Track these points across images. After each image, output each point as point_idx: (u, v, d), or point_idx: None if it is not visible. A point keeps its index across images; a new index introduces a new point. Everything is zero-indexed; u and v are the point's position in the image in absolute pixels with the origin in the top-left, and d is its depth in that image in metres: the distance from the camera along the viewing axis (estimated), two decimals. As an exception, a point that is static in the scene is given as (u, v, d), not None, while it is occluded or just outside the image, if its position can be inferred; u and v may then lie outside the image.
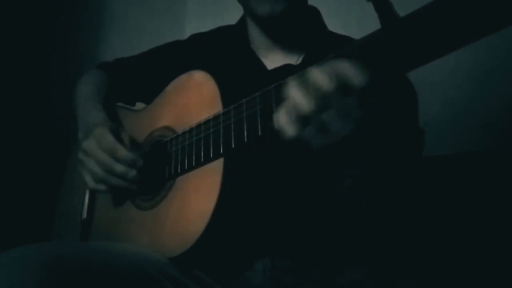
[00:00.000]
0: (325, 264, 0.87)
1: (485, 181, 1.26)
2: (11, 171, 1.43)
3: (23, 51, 1.50)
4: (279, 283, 0.85)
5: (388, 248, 0.95)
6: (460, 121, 1.46)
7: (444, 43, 0.53)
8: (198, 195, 0.81)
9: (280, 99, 0.69)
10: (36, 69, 1.53)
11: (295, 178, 0.89)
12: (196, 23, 2.03)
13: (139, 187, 0.90)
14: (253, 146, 0.75)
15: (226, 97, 0.84)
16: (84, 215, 1.02)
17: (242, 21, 1.08)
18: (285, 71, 0.93)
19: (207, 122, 0.83)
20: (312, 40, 1.00)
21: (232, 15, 1.11)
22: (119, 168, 0.87)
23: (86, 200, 1.03)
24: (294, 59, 0.99)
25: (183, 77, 0.95)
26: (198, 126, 0.85)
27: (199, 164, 0.83)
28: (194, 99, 0.90)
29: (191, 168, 0.84)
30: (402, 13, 0.57)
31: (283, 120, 0.60)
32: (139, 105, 1.13)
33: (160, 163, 0.91)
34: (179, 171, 0.87)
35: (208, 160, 0.81)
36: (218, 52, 1.06)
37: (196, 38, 1.12)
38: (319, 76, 0.57)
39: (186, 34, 1.16)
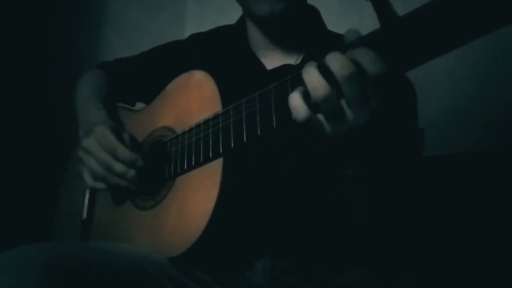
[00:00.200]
0: (325, 264, 0.87)
1: (485, 181, 1.26)
2: (11, 171, 1.43)
3: (23, 51, 1.50)
4: (279, 283, 0.85)
5: (388, 248, 0.95)
6: (460, 121, 1.46)
7: (443, 42, 0.53)
8: (197, 195, 0.81)
9: (279, 98, 0.69)
10: (36, 69, 1.53)
11: (295, 178, 0.89)
12: (196, 23, 2.03)
13: (139, 187, 0.90)
14: (253, 146, 0.75)
15: (225, 97, 0.84)
16: (84, 215, 1.02)
17: (241, 21, 1.08)
18: (284, 71, 0.93)
19: (206, 122, 0.83)
20: (312, 40, 1.00)
21: (232, 15, 1.11)
22: (119, 167, 0.87)
23: (86, 200, 1.03)
24: (293, 59, 0.99)
25: (183, 77, 0.95)
26: (198, 126, 0.85)
27: (199, 164, 0.83)
28: (194, 99, 0.90)
29: (190, 168, 0.84)
30: (401, 12, 0.57)
31: (297, 101, 0.60)
32: (139, 105, 1.13)
33: (160, 163, 0.91)
34: (178, 171, 0.87)
35: (207, 160, 0.81)
36: (218, 52, 1.06)
37: (196, 38, 1.12)
38: (338, 60, 0.57)
39: (186, 34, 1.16)
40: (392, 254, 0.95)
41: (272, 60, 0.99)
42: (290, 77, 0.68)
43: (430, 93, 1.43)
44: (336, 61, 0.58)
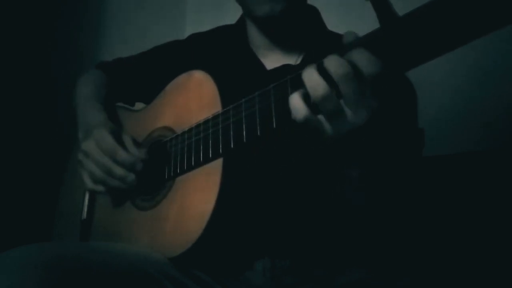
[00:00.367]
0: (325, 264, 0.87)
1: (485, 181, 1.26)
2: (11, 171, 1.43)
3: (23, 51, 1.50)
4: (279, 283, 0.85)
5: (388, 248, 0.95)
6: (460, 121, 1.46)
7: (443, 43, 0.53)
8: (197, 195, 0.81)
9: (279, 98, 0.69)
10: (36, 69, 1.53)
11: (295, 178, 0.89)
12: (196, 23, 2.03)
13: (139, 187, 0.90)
14: (252, 146, 0.75)
15: (225, 97, 0.84)
16: (84, 215, 1.02)
17: (241, 21, 1.08)
18: (284, 71, 0.93)
19: (206, 122, 0.83)
20: (312, 40, 1.00)
21: (232, 15, 1.11)
22: (119, 171, 0.87)
23: (86, 200, 1.03)
24: (293, 59, 0.99)
25: (183, 76, 0.95)
26: (198, 126, 0.85)
27: (199, 164, 0.83)
28: (194, 98, 0.90)
29: (190, 168, 0.84)
30: (401, 12, 0.57)
31: (297, 102, 0.61)
32: (139, 105, 1.13)
33: (160, 163, 0.91)
34: (178, 171, 0.87)
35: (207, 160, 0.81)
36: (217, 52, 1.06)
37: (195, 38, 1.12)
38: (335, 61, 0.58)
39: (186, 34, 1.16)
40: (392, 254, 0.95)
41: (272, 60, 0.99)
42: (290, 77, 0.68)
43: (430, 93, 1.43)
44: (332, 62, 0.59)
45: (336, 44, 0.64)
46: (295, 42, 1.00)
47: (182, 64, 1.02)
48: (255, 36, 1.02)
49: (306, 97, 0.61)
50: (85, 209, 1.02)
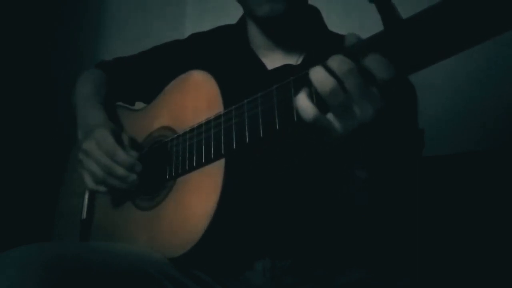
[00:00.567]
0: (325, 264, 0.87)
1: (485, 181, 1.26)
2: (11, 171, 1.43)
3: (24, 51, 1.50)
4: (279, 283, 0.85)
5: (388, 248, 0.95)
6: (460, 121, 1.46)
7: (446, 46, 0.54)
8: (199, 196, 0.81)
9: (282, 99, 0.69)
10: (36, 69, 1.53)
11: (296, 178, 0.89)
12: (196, 23, 2.03)
13: (139, 187, 0.90)
14: (255, 147, 0.75)
15: (226, 97, 0.84)
16: (84, 215, 1.02)
17: (241, 20, 1.08)
18: (285, 71, 0.93)
19: (208, 122, 0.83)
20: (312, 40, 1.00)
21: (232, 15, 1.11)
22: (120, 171, 0.87)
23: (86, 200, 1.03)
24: (294, 59, 0.99)
25: (183, 76, 0.95)
26: (199, 126, 0.85)
27: (200, 164, 0.83)
28: (194, 98, 0.90)
29: (192, 168, 0.84)
30: (404, 15, 0.58)
31: (305, 102, 0.61)
32: (139, 105, 1.13)
33: (161, 163, 0.91)
34: (179, 171, 0.87)
35: (209, 160, 0.81)
36: (218, 51, 1.06)
37: (196, 37, 1.12)
38: (339, 59, 0.60)
39: (186, 34, 1.16)
40: (392, 254, 0.95)
41: (273, 60, 0.99)
42: (293, 79, 0.68)
43: (430, 93, 1.43)
44: (336, 60, 0.60)
45: (337, 44, 0.64)
46: (296, 42, 1.00)
47: (182, 64, 1.02)
48: (256, 36, 1.02)
49: (312, 97, 0.62)
50: (85, 209, 1.02)
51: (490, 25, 0.50)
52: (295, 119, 0.66)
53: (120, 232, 0.94)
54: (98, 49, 1.76)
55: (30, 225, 1.37)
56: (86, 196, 1.03)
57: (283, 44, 1.00)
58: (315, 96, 0.62)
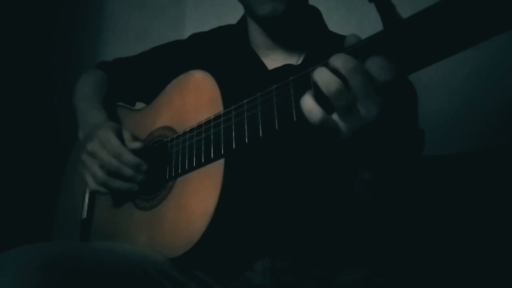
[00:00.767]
0: (325, 264, 0.87)
1: (485, 181, 1.26)
2: (11, 171, 1.43)
3: (24, 51, 1.50)
4: (279, 283, 0.85)
5: (388, 248, 0.95)
6: (460, 121, 1.46)
7: (446, 46, 0.54)
8: (198, 196, 0.81)
9: (281, 99, 0.69)
10: (37, 70, 1.53)
11: (296, 178, 0.89)
12: (196, 23, 2.03)
13: (140, 187, 0.90)
14: (254, 147, 0.75)
15: (226, 97, 0.84)
16: (84, 215, 1.02)
17: (242, 20, 1.08)
18: (285, 71, 0.93)
19: (207, 122, 0.83)
20: (313, 40, 1.00)
21: (232, 15, 1.11)
22: (128, 171, 0.88)
23: (86, 200, 1.03)
24: (294, 59, 0.99)
25: (183, 76, 0.95)
26: (199, 126, 0.85)
27: (200, 164, 0.83)
28: (194, 98, 0.90)
29: (191, 168, 0.84)
30: (404, 15, 0.58)
31: (311, 104, 0.61)
32: (139, 105, 1.13)
33: (161, 163, 0.91)
34: (179, 171, 0.87)
35: (208, 160, 0.81)
36: (218, 52, 1.06)
37: (196, 38, 1.12)
38: (342, 57, 0.60)
39: (186, 35, 1.16)
40: (392, 254, 0.95)
41: (274, 60, 0.99)
42: (292, 79, 0.68)
43: (430, 93, 1.43)
44: (339, 58, 0.60)
45: (337, 44, 0.64)
46: (297, 42, 1.00)
47: (183, 64, 1.02)
48: (257, 36, 1.02)
49: (317, 98, 0.61)
50: (85, 208, 1.02)
51: (489, 24, 0.50)
52: (295, 119, 0.66)
53: (120, 232, 0.94)
54: (98, 49, 1.76)
55: (30, 225, 1.37)
56: (86, 196, 1.03)
57: (283, 44, 1.00)
58: (320, 97, 0.61)
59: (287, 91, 0.68)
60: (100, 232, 0.99)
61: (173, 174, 0.88)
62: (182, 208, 0.83)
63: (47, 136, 1.52)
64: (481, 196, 1.24)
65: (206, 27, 1.15)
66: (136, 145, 0.90)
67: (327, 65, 0.61)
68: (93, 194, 1.03)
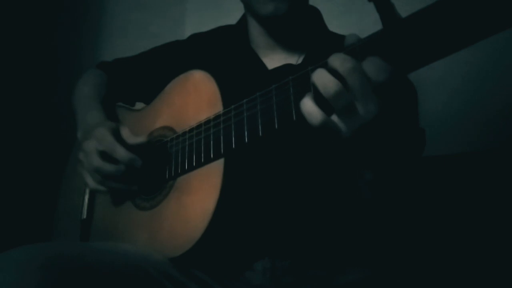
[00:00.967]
0: (325, 264, 0.87)
1: (484, 181, 1.26)
2: (11, 171, 1.43)
3: (24, 51, 1.50)
4: (279, 283, 0.85)
5: (388, 248, 0.95)
6: (460, 121, 1.46)
7: (445, 44, 0.54)
8: (198, 196, 0.81)
9: (281, 99, 0.69)
10: (37, 70, 1.53)
11: (296, 178, 0.89)
12: (196, 23, 2.03)
13: (140, 187, 0.90)
14: (254, 146, 0.75)
15: (226, 97, 0.84)
16: (84, 215, 1.02)
17: (242, 20, 1.08)
18: (285, 71, 0.93)
19: (207, 122, 0.83)
20: (313, 40, 1.00)
21: (232, 15, 1.11)
22: (111, 168, 0.87)
23: (86, 200, 1.03)
24: (294, 59, 0.99)
25: (183, 76, 0.95)
26: (198, 126, 0.85)
27: (200, 164, 0.83)
28: (194, 98, 0.90)
29: (191, 168, 0.84)
30: (403, 14, 0.58)
31: (311, 106, 0.61)
32: (139, 105, 1.13)
33: (160, 163, 0.91)
34: (179, 171, 0.87)
35: (208, 160, 0.81)
36: (218, 51, 1.06)
37: (196, 38, 1.12)
38: (340, 57, 0.60)
39: (186, 35, 1.16)
40: (392, 254, 0.95)
41: (274, 59, 0.99)
42: (292, 78, 0.68)
43: (430, 93, 1.43)
44: (337, 58, 0.60)
45: (337, 44, 0.64)
46: (297, 42, 1.00)
47: (182, 64, 1.02)
48: (257, 36, 1.02)
49: (316, 100, 0.61)
50: (85, 208, 1.02)
51: (488, 23, 0.50)
52: (294, 118, 0.66)
53: (120, 231, 0.94)
54: (98, 49, 1.76)
55: (30, 225, 1.37)
56: (86, 196, 1.03)
57: (284, 43, 1.00)
58: (320, 99, 0.61)
59: (286, 91, 0.68)
60: (100, 232, 0.99)
61: (172, 174, 0.88)
62: (182, 208, 0.83)
63: (47, 136, 1.52)
64: (481, 196, 1.24)
65: (206, 27, 1.15)
66: (139, 139, 0.90)
67: (325, 65, 0.61)
68: (93, 194, 1.03)
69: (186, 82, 0.94)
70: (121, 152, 0.87)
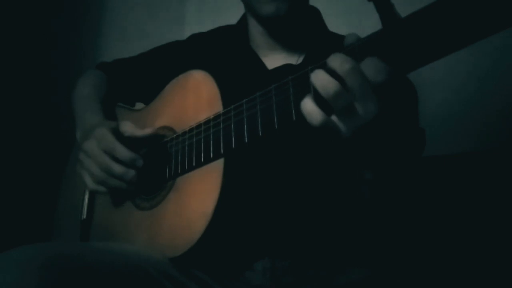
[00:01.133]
0: (325, 264, 0.87)
1: (484, 181, 1.26)
2: (11, 171, 1.43)
3: (24, 51, 1.50)
4: (279, 283, 0.85)
5: (388, 248, 0.95)
6: (460, 121, 1.46)
7: (445, 44, 0.54)
8: (198, 196, 0.81)
9: (281, 99, 0.69)
10: (37, 70, 1.53)
11: (296, 178, 0.89)
12: (196, 23, 2.03)
13: (139, 187, 0.90)
14: (254, 146, 0.75)
15: (226, 97, 0.84)
16: (84, 215, 1.02)
17: (242, 20, 1.08)
18: (285, 71, 0.93)
19: (207, 122, 0.83)
20: (313, 40, 1.00)
21: (232, 15, 1.11)
22: (117, 168, 0.86)
23: (86, 200, 1.03)
24: (294, 59, 0.99)
25: (183, 76, 0.95)
26: (198, 126, 0.85)
27: (200, 164, 0.83)
28: (194, 98, 0.90)
29: (191, 168, 0.84)
30: (403, 14, 0.58)
31: (311, 107, 0.61)
32: (139, 105, 1.13)
33: (160, 163, 0.91)
34: (179, 171, 0.87)
35: (208, 160, 0.81)
36: (218, 51, 1.06)
37: (196, 38, 1.12)
38: (339, 58, 0.59)
39: (185, 35, 1.16)
40: (392, 254, 0.95)
41: (274, 59, 0.99)
42: (291, 78, 0.68)
43: (430, 93, 1.43)
44: (337, 59, 0.60)
45: (337, 44, 0.64)
46: (297, 42, 1.00)
47: (182, 64, 1.02)
48: (257, 36, 1.02)
49: (316, 100, 0.61)
50: (85, 209, 1.02)
51: (488, 22, 0.50)
52: (294, 118, 0.66)
53: (120, 232, 0.94)
54: (98, 49, 1.76)
55: (30, 225, 1.37)
56: (86, 196, 1.03)
57: (284, 43, 1.00)
58: (320, 99, 0.61)
59: (286, 91, 0.68)
60: (100, 232, 0.99)
61: (172, 174, 0.88)
62: (182, 208, 0.83)
63: (47, 136, 1.52)
64: (481, 196, 1.24)
65: (206, 27, 1.15)
66: (147, 130, 0.89)
67: (325, 66, 0.61)
68: (92, 194, 1.03)
69: (186, 82, 0.94)
70: (122, 152, 0.87)
